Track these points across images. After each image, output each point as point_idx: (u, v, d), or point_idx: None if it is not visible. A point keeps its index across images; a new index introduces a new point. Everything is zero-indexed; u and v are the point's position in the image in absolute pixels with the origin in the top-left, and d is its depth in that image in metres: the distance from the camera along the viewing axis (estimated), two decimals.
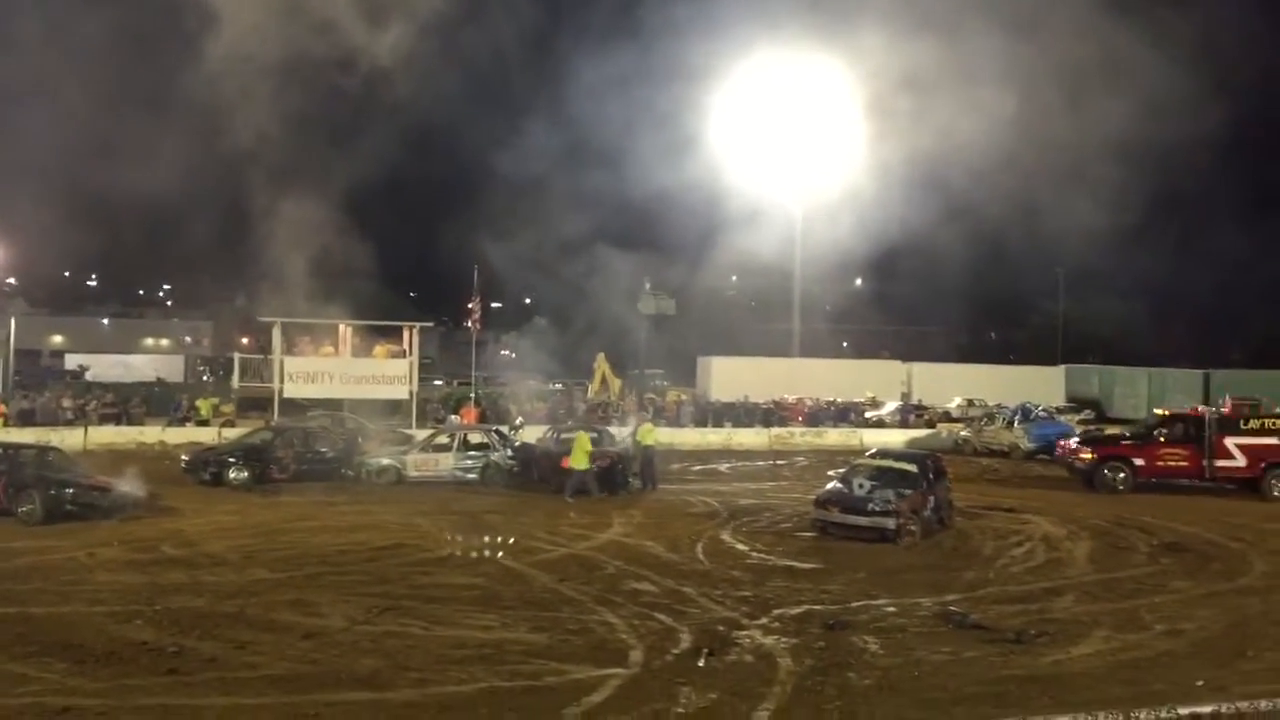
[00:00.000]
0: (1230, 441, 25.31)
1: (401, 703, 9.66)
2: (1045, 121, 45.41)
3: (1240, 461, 25.07)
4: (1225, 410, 27.23)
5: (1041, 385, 48.05)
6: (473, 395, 39.19)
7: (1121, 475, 25.56)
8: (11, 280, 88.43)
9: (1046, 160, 47.00)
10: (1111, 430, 26.13)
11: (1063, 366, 55.37)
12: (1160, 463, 25.44)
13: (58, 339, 78.40)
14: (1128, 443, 27.10)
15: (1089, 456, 26.46)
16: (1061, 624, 12.94)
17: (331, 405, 33.83)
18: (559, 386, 49.26)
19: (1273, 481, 24.84)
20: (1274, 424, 25.60)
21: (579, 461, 23.07)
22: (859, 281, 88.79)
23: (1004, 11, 45.85)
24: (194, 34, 35.12)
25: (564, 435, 26.74)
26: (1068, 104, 45.82)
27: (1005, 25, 45.07)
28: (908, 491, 18.68)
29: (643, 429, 25.81)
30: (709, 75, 48.25)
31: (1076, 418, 42.29)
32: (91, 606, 12.74)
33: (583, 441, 23.48)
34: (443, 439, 26.48)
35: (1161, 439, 26.01)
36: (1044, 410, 38.33)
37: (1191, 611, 13.69)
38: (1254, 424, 25.72)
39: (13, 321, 53.03)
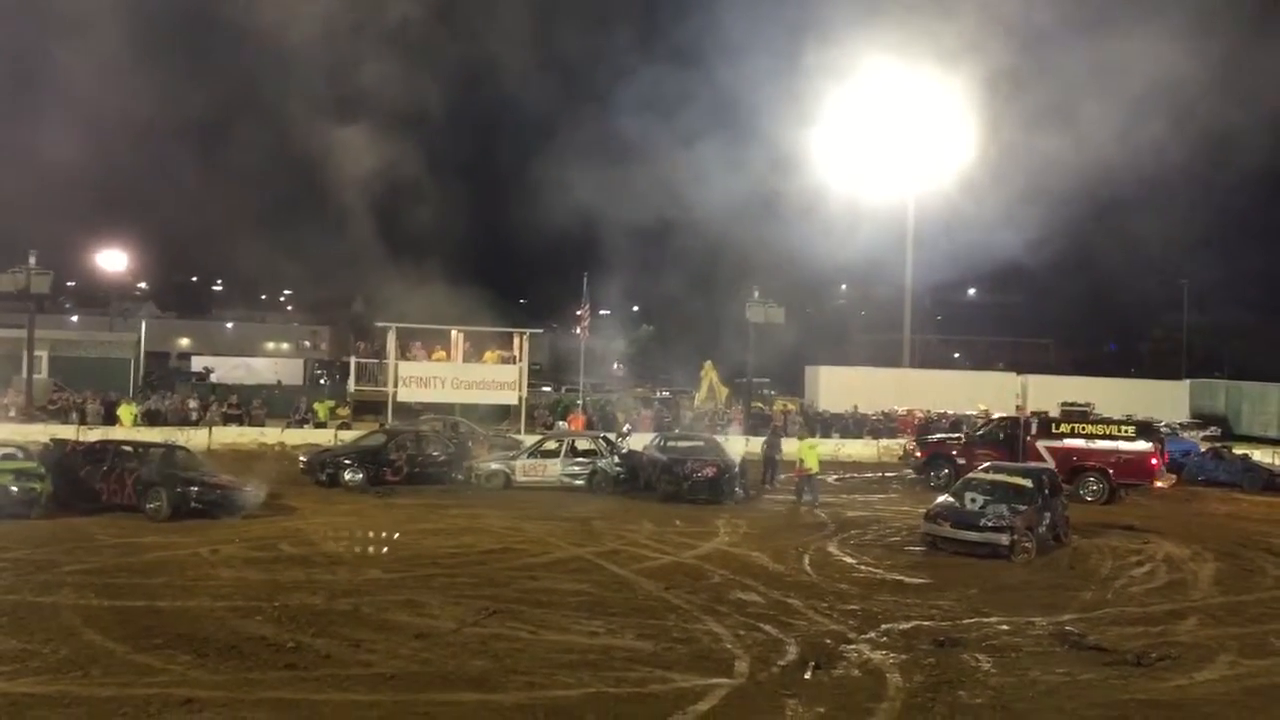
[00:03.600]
0: (1042, 445, 26.73)
1: (510, 705, 9.78)
2: (1168, 127, 43.96)
3: (1049, 464, 25.42)
4: (1031, 413, 28.65)
5: (1164, 401, 46.36)
6: (580, 402, 39.53)
7: (945, 473, 27.09)
8: (143, 285, 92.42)
9: (1170, 167, 45.49)
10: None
11: (1187, 381, 53.42)
12: (978, 462, 25.14)
13: (184, 341, 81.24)
14: (953, 443, 28.97)
15: (920, 455, 29.07)
16: (1184, 648, 12.50)
17: (443, 410, 34.45)
18: (666, 394, 49.36)
19: (1086, 483, 26.03)
20: (1082, 429, 26.80)
21: (814, 465, 24.06)
22: (972, 292, 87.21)
23: (1123, 16, 44.63)
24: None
25: (673, 443, 26.80)
26: (1193, 108, 44.30)
27: (1123, 30, 43.87)
28: (1022, 507, 18.25)
29: (802, 446, 25.15)
30: (821, 82, 47.88)
31: (1201, 435, 40.77)
32: (214, 601, 13.16)
33: (817, 448, 24.93)
34: (551, 445, 26.72)
35: (979, 439, 28.00)
36: (1166, 427, 37.03)
37: None
38: (1064, 428, 26.92)
39: (143, 324, 55.31)
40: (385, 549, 16.84)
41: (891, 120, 48.59)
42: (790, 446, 27.64)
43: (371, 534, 17.92)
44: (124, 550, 16.30)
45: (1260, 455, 32.95)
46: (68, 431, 28.81)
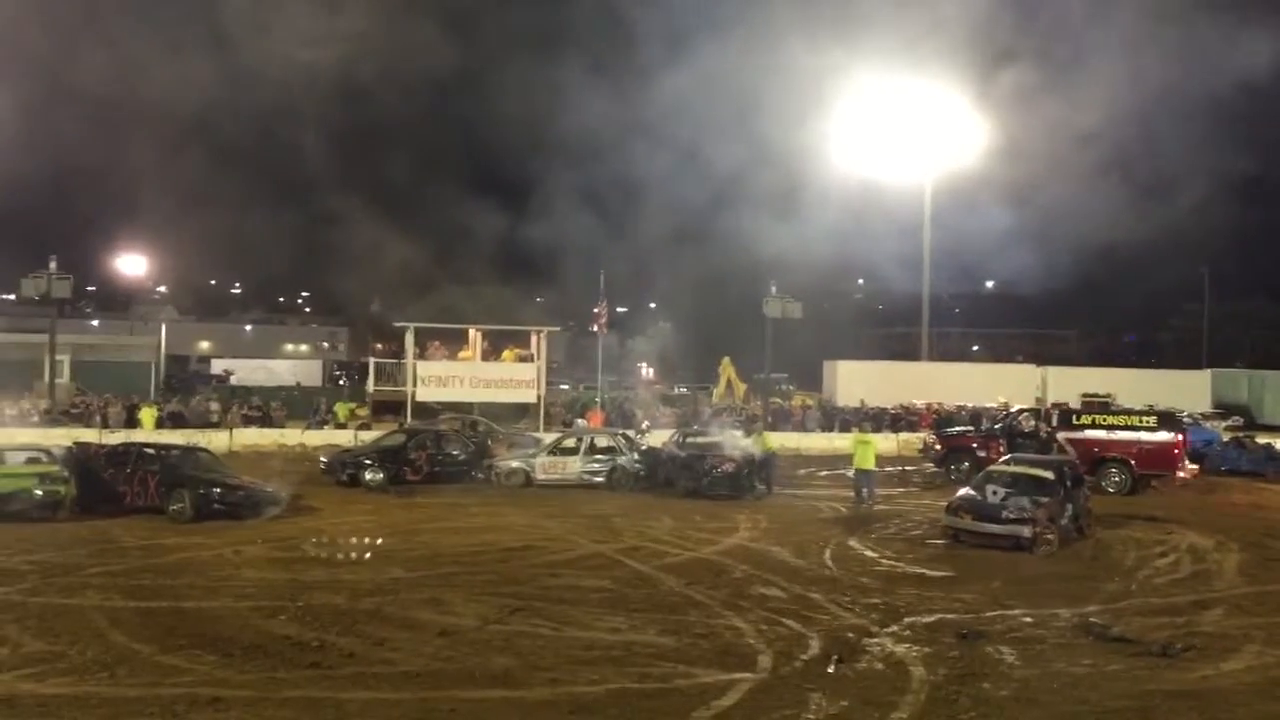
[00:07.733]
0: (1063, 436, 26.55)
1: (534, 701, 9.80)
2: (1187, 114, 43.58)
3: (1071, 455, 25.13)
4: (1052, 405, 28.78)
5: (1185, 391, 45.93)
6: (598, 399, 39.54)
7: (965, 465, 26.98)
8: (162, 289, 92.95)
9: (1188, 155, 45.10)
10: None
11: (1208, 371, 53.06)
12: (999, 455, 25.04)
13: (204, 344, 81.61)
14: (972, 436, 29.31)
15: (939, 448, 28.84)
16: (1210, 638, 12.42)
17: (462, 408, 34.52)
18: (684, 390, 49.34)
19: (1108, 473, 25.94)
20: (1103, 420, 26.75)
21: (868, 462, 23.60)
22: (990, 284, 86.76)
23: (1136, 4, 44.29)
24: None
25: (691, 439, 26.77)
26: (1213, 95, 43.88)
27: (1147, 11, 43.52)
28: (1044, 499, 18.13)
29: (855, 440, 25.70)
30: (838, 78, 47.62)
31: (1224, 424, 40.50)
32: (238, 602, 13.24)
33: (874, 444, 24.66)
34: (570, 442, 26.72)
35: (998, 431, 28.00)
36: (1188, 417, 36.76)
37: None
38: (1085, 420, 26.85)
39: (163, 328, 55.64)
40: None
41: (907, 112, 48.32)
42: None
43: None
44: (148, 552, 16.42)
45: None
46: (90, 435, 29.04)
